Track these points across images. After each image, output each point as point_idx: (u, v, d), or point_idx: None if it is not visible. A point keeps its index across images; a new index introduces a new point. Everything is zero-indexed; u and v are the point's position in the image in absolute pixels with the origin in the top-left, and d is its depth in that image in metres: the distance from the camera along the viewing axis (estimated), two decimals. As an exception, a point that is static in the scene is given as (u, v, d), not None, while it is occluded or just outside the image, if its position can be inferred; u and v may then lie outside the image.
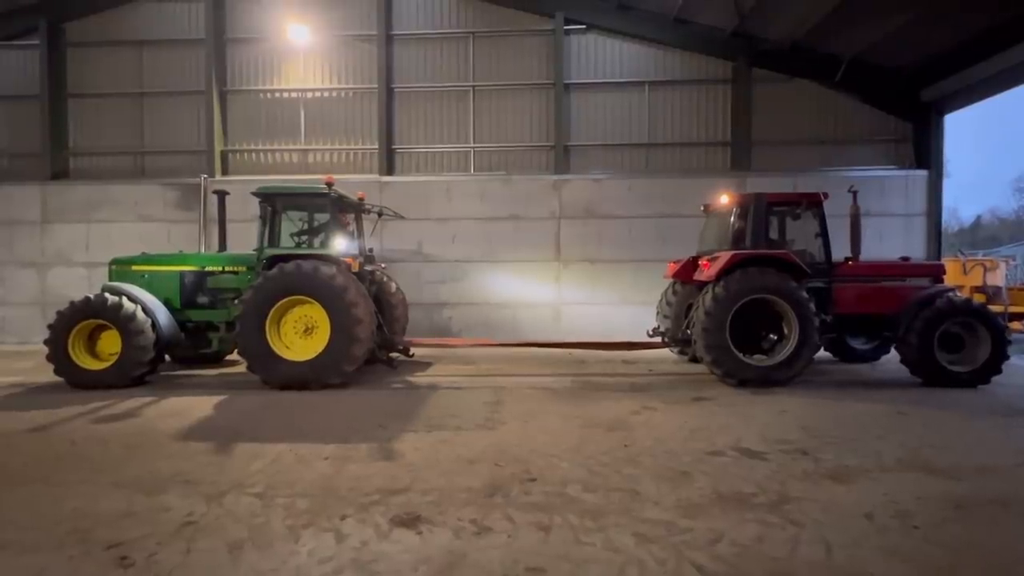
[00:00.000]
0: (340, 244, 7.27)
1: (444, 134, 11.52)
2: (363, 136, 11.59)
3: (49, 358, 6.57)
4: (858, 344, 8.36)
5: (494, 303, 11.01)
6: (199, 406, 5.66)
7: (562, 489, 3.39)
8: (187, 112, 11.68)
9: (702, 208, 8.17)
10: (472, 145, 11.47)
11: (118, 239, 10.89)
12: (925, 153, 10.70)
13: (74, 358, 6.61)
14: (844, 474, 3.68)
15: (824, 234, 7.13)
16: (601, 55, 11.27)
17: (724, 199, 7.34)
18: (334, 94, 11.66)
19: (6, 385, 6.86)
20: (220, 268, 7.47)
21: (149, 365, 6.76)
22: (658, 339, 7.99)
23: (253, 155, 11.80)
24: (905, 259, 7.64)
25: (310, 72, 11.64)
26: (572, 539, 2.74)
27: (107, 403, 5.81)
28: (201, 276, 7.44)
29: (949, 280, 13.87)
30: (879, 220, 10.67)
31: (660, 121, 11.23)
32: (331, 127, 11.66)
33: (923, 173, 10.66)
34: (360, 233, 8.38)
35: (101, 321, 6.63)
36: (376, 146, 11.43)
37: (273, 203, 7.24)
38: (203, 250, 7.95)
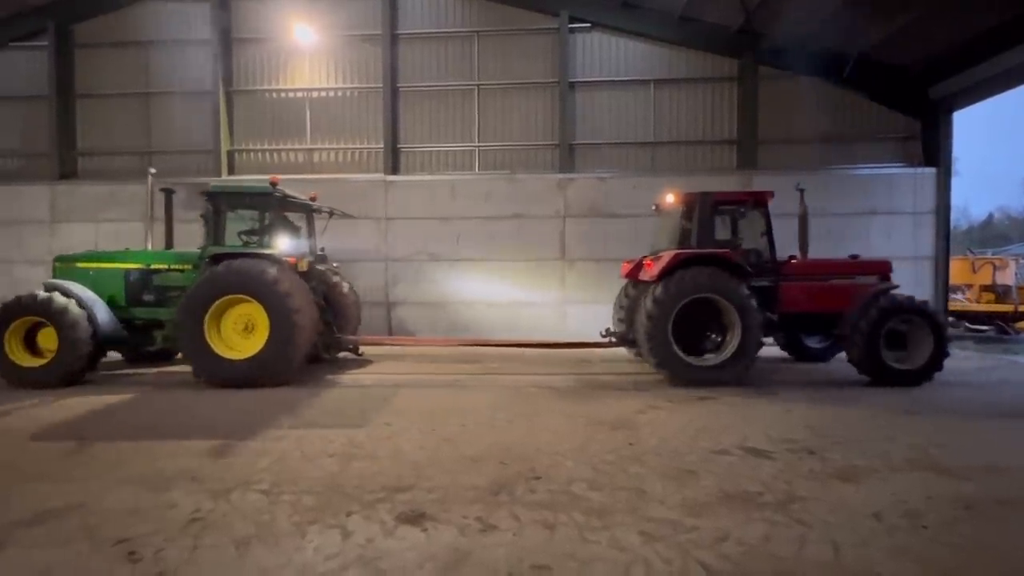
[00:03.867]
0: (283, 243, 7.27)
1: (449, 133, 11.53)
2: (368, 135, 11.61)
3: None
4: (812, 343, 8.32)
5: (499, 303, 11.00)
6: (198, 403, 5.69)
7: (567, 487, 3.39)
8: (194, 112, 11.75)
9: (653, 207, 8.09)
10: (477, 144, 11.47)
11: (126, 239, 10.91)
12: (933, 151, 10.60)
13: (10, 356, 6.56)
14: (852, 474, 3.65)
15: (769, 233, 7.07)
16: (606, 53, 11.24)
17: (670, 198, 7.31)
18: (339, 94, 11.69)
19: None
20: (166, 266, 7.43)
21: (86, 361, 6.67)
22: (610, 339, 7.81)
23: (259, 155, 11.86)
24: (854, 257, 7.57)
25: (316, 72, 11.68)
26: (578, 537, 2.74)
27: (108, 401, 5.85)
28: (147, 274, 7.39)
29: (957, 279, 13.84)
30: (887, 218, 10.60)
31: (665, 119, 11.19)
32: (336, 126, 11.70)
33: (931, 171, 10.57)
34: (311, 232, 8.39)
35: (37, 318, 6.58)
36: (381, 145, 11.46)
37: (218, 202, 7.17)
38: (150, 248, 7.98)
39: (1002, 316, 13.38)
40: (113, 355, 7.67)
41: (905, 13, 8.81)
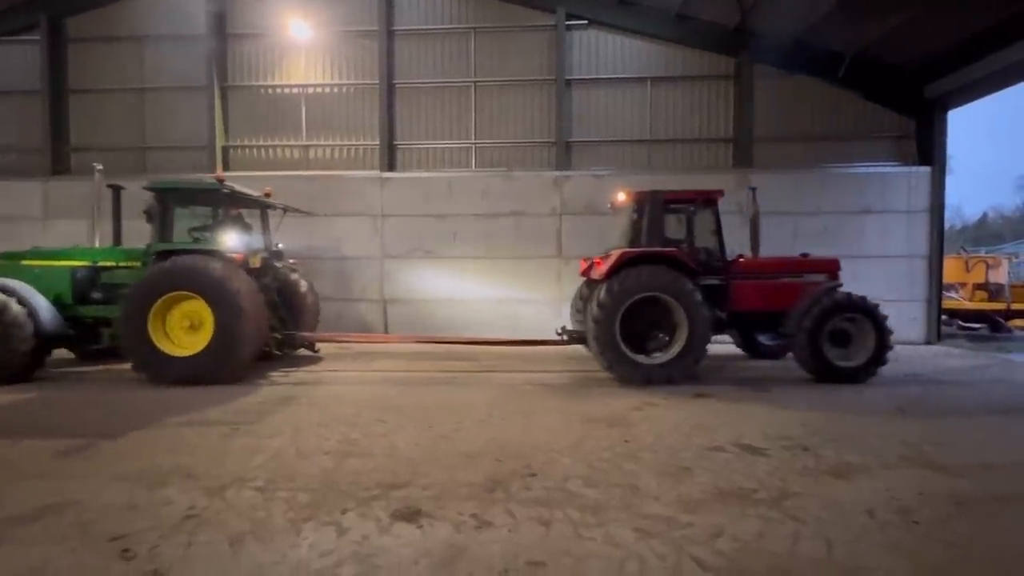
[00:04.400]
0: (230, 239, 7.20)
1: (446, 130, 11.50)
2: (364, 132, 11.57)
3: None
4: (765, 340, 8.38)
5: (495, 300, 11.00)
6: (199, 399, 5.66)
7: (563, 484, 3.40)
8: (188, 107, 11.67)
9: (609, 206, 8.10)
10: (474, 141, 11.45)
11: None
12: (928, 149, 10.65)
13: None
14: (845, 470, 3.67)
15: (718, 231, 7.13)
16: (603, 51, 11.23)
17: (621, 197, 7.35)
18: (335, 90, 11.63)
19: None
20: (114, 263, 7.37)
21: (29, 359, 6.57)
22: (563, 337, 7.74)
23: (254, 151, 11.80)
24: (804, 255, 7.62)
25: (311, 68, 11.61)
26: (573, 534, 2.74)
27: (106, 398, 5.82)
28: (95, 271, 7.30)
29: (951, 277, 13.92)
30: (881, 217, 10.64)
31: (662, 117, 11.19)
32: (332, 123, 11.65)
33: (926, 170, 10.62)
34: (266, 229, 8.39)
35: None
36: (377, 142, 11.42)
37: (164, 198, 7.10)
38: (97, 245, 7.87)
39: (995, 314, 13.48)
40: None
41: (899, 12, 8.84)
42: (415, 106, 11.51)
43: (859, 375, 6.62)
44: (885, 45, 9.92)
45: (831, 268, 7.28)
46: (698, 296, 6.43)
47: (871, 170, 10.77)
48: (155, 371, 6.47)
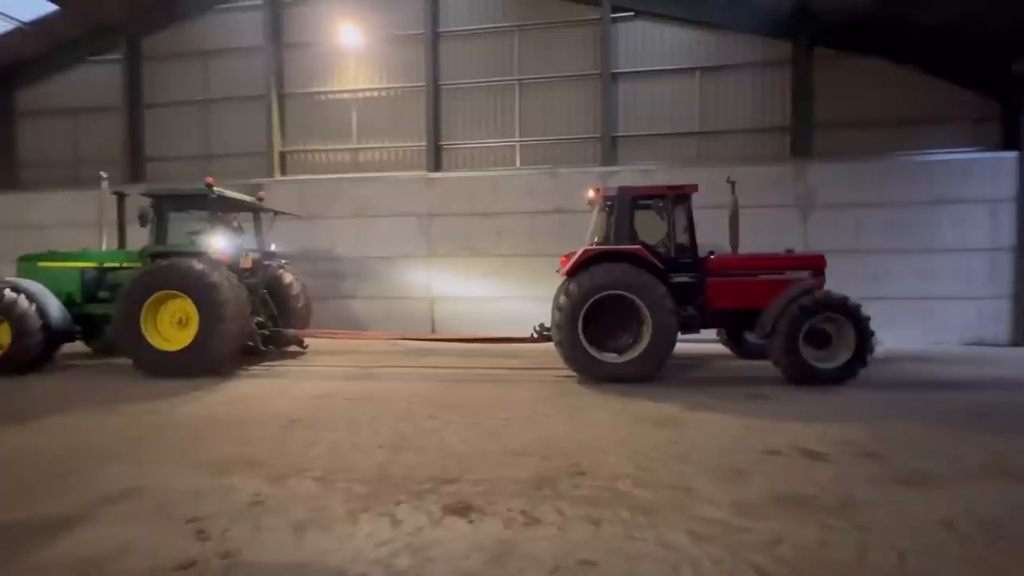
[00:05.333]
0: (217, 242, 7.58)
1: (490, 129, 11.59)
2: (411, 134, 11.84)
3: None
4: (753, 339, 7.76)
5: (541, 297, 10.97)
6: (258, 392, 6.00)
7: (611, 484, 3.36)
8: (249, 116, 12.34)
9: (587, 203, 7.82)
10: (518, 139, 11.47)
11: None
12: (1013, 133, 9.72)
13: None
14: (918, 479, 3.43)
15: (690, 228, 6.93)
16: (650, 42, 10.96)
17: (591, 194, 7.23)
18: (383, 93, 11.97)
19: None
20: (118, 264, 7.92)
21: (39, 352, 7.19)
22: (533, 335, 7.64)
23: (309, 155, 12.33)
24: (789, 251, 7.25)
25: (361, 73, 12.00)
26: (623, 534, 2.72)
27: (170, 390, 6.27)
28: (101, 272, 7.90)
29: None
30: (958, 207, 9.83)
31: (712, 108, 10.80)
32: (381, 126, 11.99)
33: (1012, 155, 9.70)
34: (258, 231, 8.80)
35: None
36: (424, 143, 11.66)
37: (160, 203, 7.62)
38: (104, 248, 8.48)
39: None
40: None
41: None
42: (460, 106, 11.66)
43: (839, 376, 6.27)
44: (964, 17, 9.10)
45: (816, 264, 6.95)
46: (662, 294, 6.29)
47: (946, 157, 9.97)
48: (146, 364, 6.97)
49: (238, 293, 7.17)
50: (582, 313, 6.38)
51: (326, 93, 12.17)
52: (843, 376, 6.29)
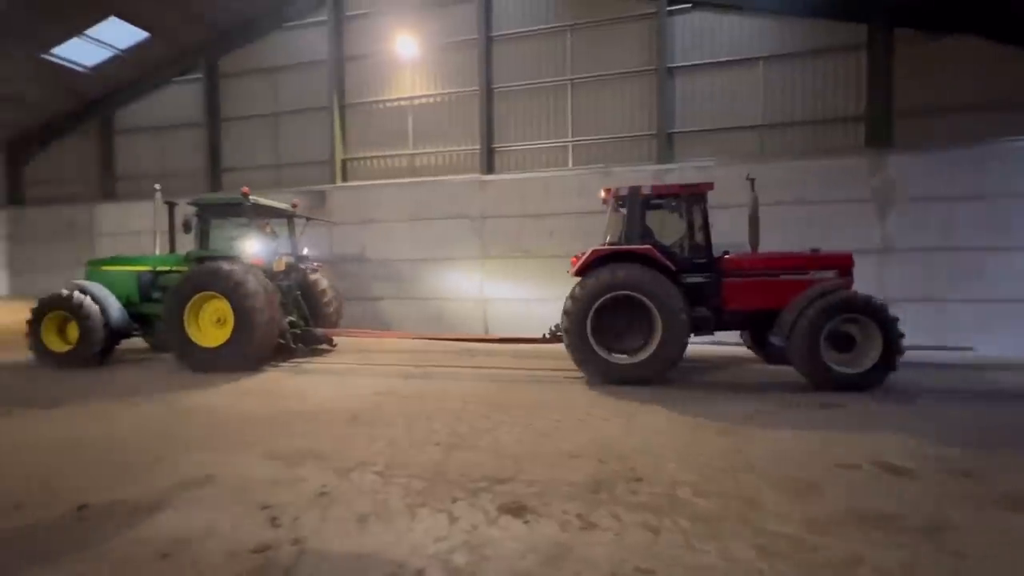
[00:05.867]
0: (250, 246, 8.09)
1: (542, 130, 11.59)
2: (465, 138, 12.05)
3: (28, 342, 7.97)
4: (776, 341, 7.05)
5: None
6: (319, 389, 6.30)
7: (670, 491, 3.26)
8: (313, 127, 13.03)
9: (602, 202, 7.55)
10: (570, 140, 11.40)
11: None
12: None
13: (45, 342, 7.94)
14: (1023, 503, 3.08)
15: (705, 227, 6.74)
16: (709, 34, 10.56)
17: (602, 194, 7.16)
18: (438, 99, 12.26)
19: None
20: (169, 268, 8.52)
21: (102, 347, 7.89)
22: (546, 336, 7.53)
23: (369, 162, 12.85)
24: (815, 250, 6.81)
25: (417, 80, 12.36)
26: (684, 543, 2.62)
27: (236, 384, 6.70)
28: (155, 275, 8.57)
29: None
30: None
31: (777, 99, 10.25)
32: (436, 131, 12.30)
33: None
34: (292, 235, 9.40)
35: (64, 312, 7.89)
36: (477, 147, 11.83)
37: (203, 212, 8.38)
38: (157, 253, 9.20)
39: None
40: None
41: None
42: (513, 109, 11.75)
43: (863, 382, 5.88)
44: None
45: (842, 263, 6.55)
46: (671, 294, 6.15)
47: (1054, 142, 8.90)
48: (189, 359, 7.52)
49: (270, 294, 7.63)
50: (590, 314, 6.33)
51: (384, 102, 12.64)
52: (868, 382, 5.90)
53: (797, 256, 6.80)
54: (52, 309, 8.01)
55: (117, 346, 8.44)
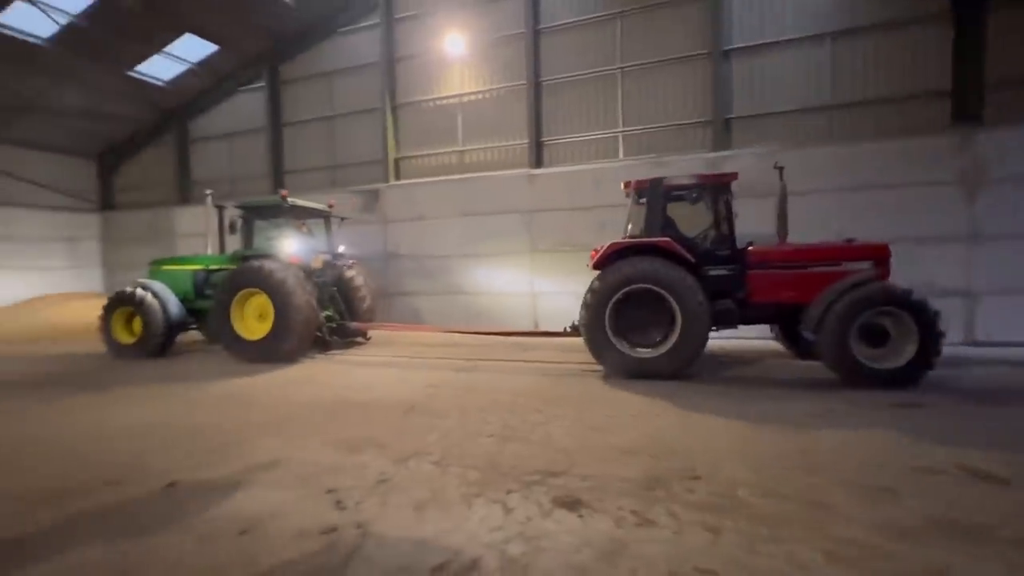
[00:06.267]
0: (288, 245, 8.65)
1: (592, 121, 11.40)
2: (513, 132, 12.06)
3: (101, 334, 8.89)
4: (808, 335, 6.52)
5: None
6: (376, 381, 6.55)
7: (730, 491, 3.15)
8: (367, 128, 13.47)
9: (625, 194, 7.33)
10: (621, 130, 11.15)
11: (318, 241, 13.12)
12: None
13: (114, 334, 8.82)
14: None
15: (728, 218, 6.60)
16: (769, 12, 9.97)
17: (622, 186, 7.12)
18: (486, 95, 12.33)
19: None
20: (219, 267, 9.11)
21: (163, 340, 8.66)
22: (567, 330, 7.44)
23: (420, 160, 13.13)
24: (849, 240, 6.55)
25: (465, 77, 12.48)
26: (746, 545, 2.53)
27: (303, 373, 7.06)
28: (207, 273, 9.23)
29: None
30: None
31: (848, 77, 9.53)
32: (484, 127, 12.38)
33: None
34: (329, 234, 9.90)
35: (130, 308, 8.73)
36: (526, 141, 11.82)
37: (247, 213, 9.05)
38: (210, 252, 9.91)
39: None
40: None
41: None
42: (561, 101, 11.62)
43: (897, 379, 5.60)
44: None
45: (878, 255, 6.23)
46: (690, 287, 6.06)
47: None
48: (235, 351, 8.12)
49: (306, 290, 8.05)
50: (608, 307, 6.32)
51: (433, 100, 12.85)
52: (902, 378, 5.61)
53: (828, 247, 6.54)
54: (120, 305, 8.91)
55: (176, 338, 9.26)
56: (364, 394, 5.90)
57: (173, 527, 2.84)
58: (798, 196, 9.42)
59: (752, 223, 9.60)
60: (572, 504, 3.00)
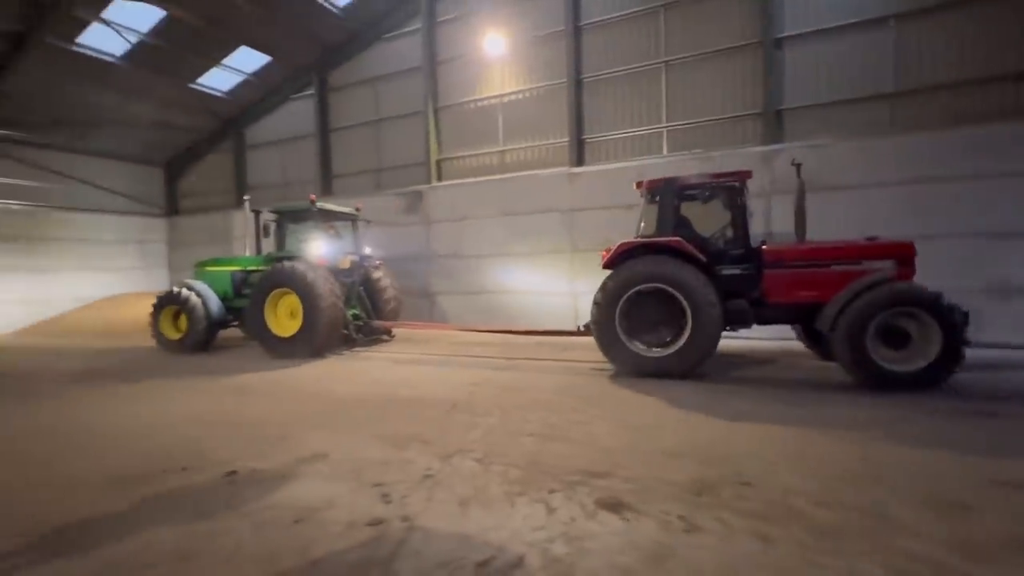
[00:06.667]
0: (317, 247, 9.17)
1: (635, 118, 11.20)
2: (554, 131, 12.01)
3: (151, 330, 9.73)
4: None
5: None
6: (420, 378, 6.67)
7: (783, 499, 3.01)
8: (410, 131, 13.77)
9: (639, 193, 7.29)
10: (664, 125, 10.89)
11: (368, 242, 13.52)
12: None
13: (162, 330, 9.65)
14: None
15: (742, 216, 6.52)
16: (824, -4, 9.47)
17: (635, 186, 7.14)
18: (526, 94, 12.34)
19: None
20: (255, 268, 9.63)
21: (205, 336, 9.37)
22: (580, 328, 7.38)
23: (462, 161, 13.30)
24: (872, 238, 6.29)
25: (506, 77, 12.54)
26: (800, 556, 2.42)
27: (345, 369, 7.28)
28: (245, 274, 9.79)
29: None
30: None
31: (913, 62, 8.92)
32: (525, 126, 12.39)
33: None
34: (355, 235, 10.43)
35: (176, 306, 9.47)
36: (567, 139, 11.74)
37: (280, 217, 9.62)
38: (247, 254, 10.48)
39: None
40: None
41: None
42: (602, 98, 11.48)
43: (917, 382, 5.37)
44: None
45: (903, 253, 6.00)
46: (701, 287, 6.03)
47: None
48: (269, 347, 8.58)
49: (332, 290, 8.43)
50: (619, 307, 6.37)
51: (474, 101, 12.98)
52: (921, 381, 5.37)
53: (847, 245, 6.34)
54: (167, 304, 9.67)
55: (217, 334, 9.92)
56: (407, 391, 6.04)
57: (232, 514, 3.00)
58: (854, 190, 8.95)
59: (811, 221, 9.16)
60: (616, 506, 2.95)
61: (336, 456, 3.89)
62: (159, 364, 8.40)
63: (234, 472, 3.62)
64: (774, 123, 9.80)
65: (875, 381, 5.50)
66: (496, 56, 12.45)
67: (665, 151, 10.89)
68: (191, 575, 2.43)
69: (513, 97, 12.52)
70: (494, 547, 2.56)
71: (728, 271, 6.47)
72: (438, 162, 13.47)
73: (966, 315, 5.37)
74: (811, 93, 9.64)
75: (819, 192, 9.23)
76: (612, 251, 6.61)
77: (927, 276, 7.92)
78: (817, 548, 2.48)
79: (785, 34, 9.73)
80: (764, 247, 6.49)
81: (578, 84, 11.59)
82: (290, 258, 8.93)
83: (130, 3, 11.36)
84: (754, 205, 6.60)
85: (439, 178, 13.41)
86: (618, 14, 11.18)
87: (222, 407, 5.48)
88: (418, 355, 8.77)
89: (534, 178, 11.88)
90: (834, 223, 8.98)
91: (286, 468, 3.68)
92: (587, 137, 11.66)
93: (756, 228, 9.67)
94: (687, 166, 10.17)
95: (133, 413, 5.34)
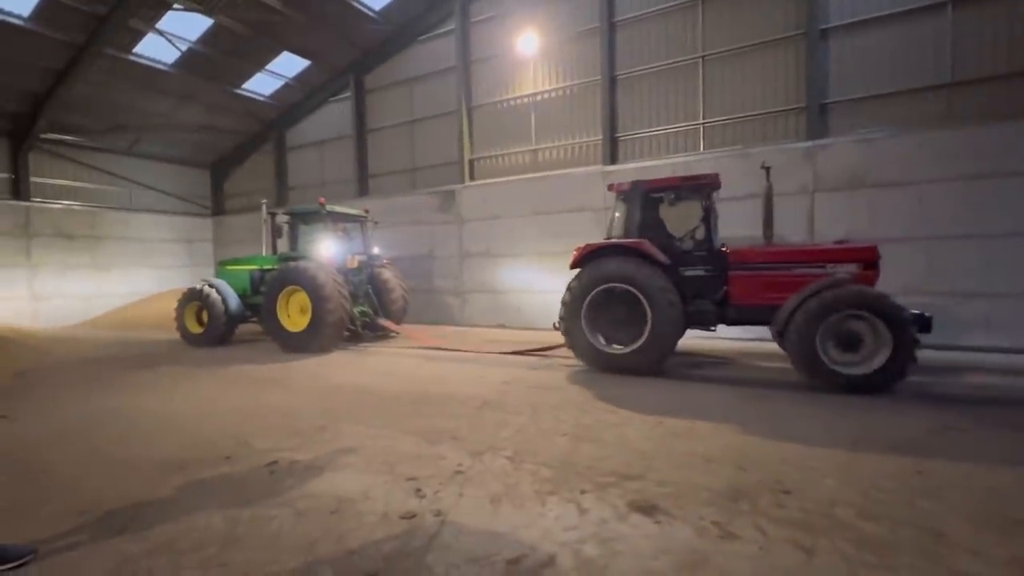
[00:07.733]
0: (324, 248, 9.55)
1: (671, 114, 10.96)
2: (587, 128, 11.90)
3: (176, 325, 10.30)
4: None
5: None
6: (452, 376, 6.74)
7: (827, 509, 2.89)
8: (444, 130, 13.92)
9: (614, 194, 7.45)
10: (702, 121, 10.62)
11: (401, 240, 13.78)
12: None
13: (186, 325, 10.20)
14: None
15: (708, 218, 6.66)
16: (874, -17, 9.02)
17: (607, 187, 7.36)
18: (559, 93, 12.27)
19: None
20: (271, 267, 9.95)
21: (224, 331, 9.88)
22: (556, 326, 7.29)
23: (495, 160, 13.35)
24: (840, 242, 6.50)
25: (539, 76, 12.50)
26: (844, 569, 2.32)
27: (391, 366, 7.41)
28: (262, 272, 10.18)
29: None
30: None
31: (971, 50, 8.39)
32: (558, 124, 12.32)
33: None
34: (364, 237, 10.94)
35: (198, 302, 10.02)
36: (600, 137, 11.62)
37: (292, 219, 10.10)
38: (264, 254, 10.87)
39: None
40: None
41: None
42: (637, 94, 11.29)
43: (866, 385, 5.38)
44: None
45: (866, 257, 6.02)
46: (661, 287, 6.24)
47: None
48: (282, 341, 9.01)
49: (339, 288, 8.82)
50: (584, 304, 6.61)
51: (507, 100, 13.00)
52: (873, 384, 5.37)
53: (810, 249, 6.50)
54: (191, 300, 10.27)
55: (236, 329, 10.47)
56: (439, 387, 6.11)
57: (274, 501, 3.11)
58: (903, 187, 8.50)
59: (864, 219, 8.76)
60: (649, 509, 2.90)
61: (370, 449, 3.98)
62: (186, 355, 9.02)
63: (275, 462, 3.75)
64: (818, 117, 9.41)
65: (825, 382, 5.53)
66: (529, 55, 12.43)
67: (702, 148, 10.63)
68: (236, 558, 2.54)
69: (546, 95, 12.47)
70: (525, 545, 2.56)
71: (691, 272, 6.65)
72: (471, 161, 13.57)
73: (925, 319, 5.41)
74: (857, 86, 9.20)
75: (868, 189, 8.82)
76: (580, 251, 6.84)
77: (988, 278, 7.47)
78: (864, 562, 2.37)
79: (830, 24, 9.32)
80: (726, 249, 6.62)
81: (612, 81, 11.44)
82: (300, 258, 9.41)
83: (181, 12, 11.92)
84: (724, 208, 6.87)
85: (472, 177, 13.51)
86: (654, 8, 10.96)
87: (258, 399, 5.68)
88: (480, 353, 8.76)
89: (567, 177, 11.81)
90: (883, 221, 8.57)
91: (324, 459, 3.79)
92: (620, 135, 11.49)
93: (785, 229, 9.34)
94: (725, 163, 9.90)
95: (182, 400, 5.62)
